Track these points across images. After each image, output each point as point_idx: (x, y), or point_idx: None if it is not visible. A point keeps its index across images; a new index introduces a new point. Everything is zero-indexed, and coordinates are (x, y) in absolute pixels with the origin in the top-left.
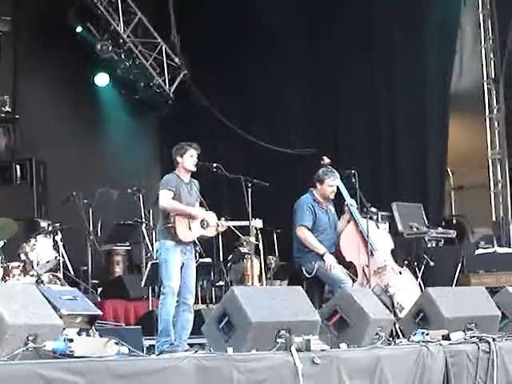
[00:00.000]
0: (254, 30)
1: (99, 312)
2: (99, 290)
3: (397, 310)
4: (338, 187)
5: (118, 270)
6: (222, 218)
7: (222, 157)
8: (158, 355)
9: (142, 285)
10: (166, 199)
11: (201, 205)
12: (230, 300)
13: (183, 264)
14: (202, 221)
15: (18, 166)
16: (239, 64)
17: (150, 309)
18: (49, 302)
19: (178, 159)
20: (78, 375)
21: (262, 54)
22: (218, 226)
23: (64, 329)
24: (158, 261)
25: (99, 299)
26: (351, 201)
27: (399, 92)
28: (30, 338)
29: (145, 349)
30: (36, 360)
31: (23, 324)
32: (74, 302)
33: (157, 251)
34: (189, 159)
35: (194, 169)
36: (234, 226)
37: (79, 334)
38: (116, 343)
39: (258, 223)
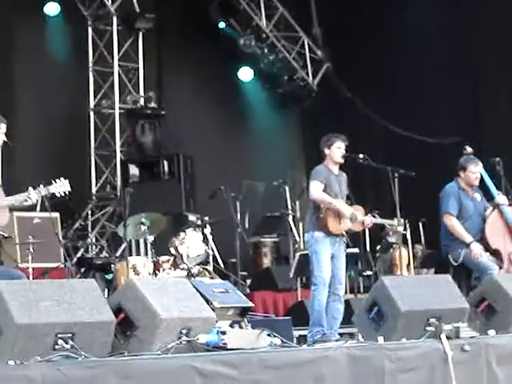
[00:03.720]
0: (395, 20)
1: (251, 304)
2: (248, 281)
3: None
4: (482, 177)
5: (266, 262)
6: (369, 215)
7: (364, 147)
8: (310, 345)
9: (291, 276)
10: (317, 190)
11: (348, 198)
12: (379, 290)
13: (333, 255)
14: (352, 214)
15: (165, 162)
16: (381, 54)
17: (299, 299)
18: (201, 295)
19: (326, 151)
20: (232, 367)
21: (403, 43)
22: (364, 222)
23: (216, 321)
24: (306, 252)
25: (248, 291)
26: (501, 198)
27: None
28: (183, 331)
29: (295, 339)
30: (189, 353)
31: (176, 317)
32: (226, 295)
33: (307, 242)
34: (336, 151)
35: (342, 160)
36: (380, 217)
37: (232, 326)
38: (268, 335)
39: (399, 224)
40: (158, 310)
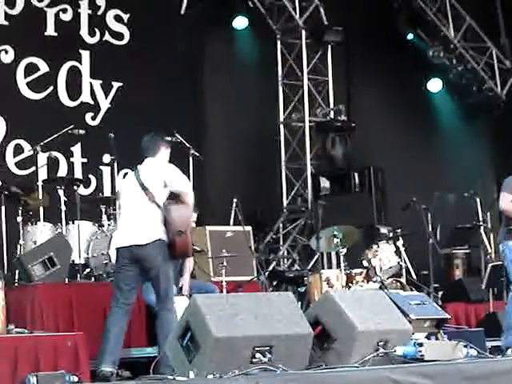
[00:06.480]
0: None
1: (447, 315)
2: (440, 293)
3: None
4: None
5: (458, 273)
6: None
7: None
8: (504, 351)
9: (483, 287)
10: (504, 201)
11: None
12: None
13: None
14: None
15: (356, 174)
16: None
17: (491, 311)
18: (397, 307)
19: None
20: (430, 379)
21: None
22: None
23: (413, 333)
24: (498, 263)
25: (440, 302)
26: None
27: None
28: (380, 343)
29: (488, 351)
30: (387, 365)
31: (373, 330)
32: (422, 307)
33: (502, 252)
34: None
35: None
36: None
37: (428, 337)
38: (465, 346)
39: None
40: (356, 323)
